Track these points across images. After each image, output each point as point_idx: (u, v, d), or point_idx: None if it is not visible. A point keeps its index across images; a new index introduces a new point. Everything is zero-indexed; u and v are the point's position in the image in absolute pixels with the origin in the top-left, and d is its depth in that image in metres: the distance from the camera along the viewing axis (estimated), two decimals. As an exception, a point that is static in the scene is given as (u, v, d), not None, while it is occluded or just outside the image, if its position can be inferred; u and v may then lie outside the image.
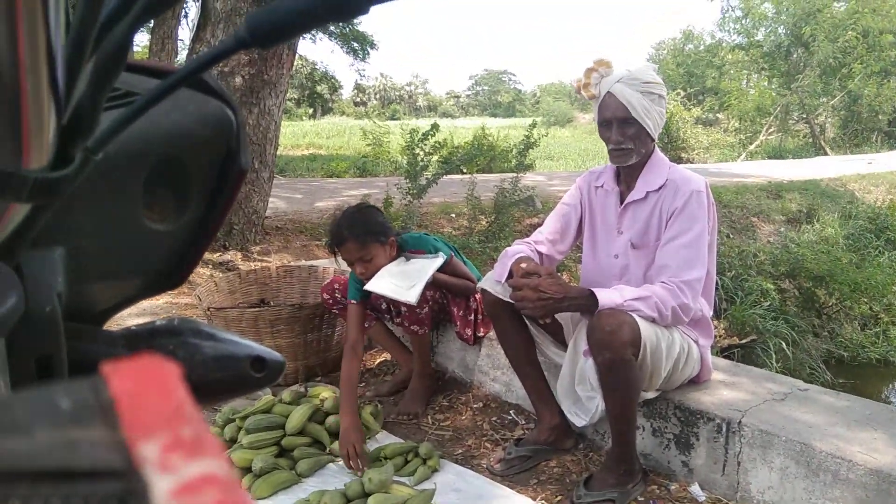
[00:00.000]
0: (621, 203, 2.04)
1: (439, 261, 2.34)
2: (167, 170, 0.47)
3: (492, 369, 2.61)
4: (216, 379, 0.44)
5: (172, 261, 0.52)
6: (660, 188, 1.96)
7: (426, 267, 2.30)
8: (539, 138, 6.06)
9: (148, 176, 0.46)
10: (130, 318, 2.91)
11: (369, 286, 2.27)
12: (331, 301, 2.60)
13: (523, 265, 1.94)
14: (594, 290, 1.84)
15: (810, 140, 21.12)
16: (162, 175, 0.47)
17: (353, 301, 2.43)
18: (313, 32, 15.32)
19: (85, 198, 0.42)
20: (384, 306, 2.60)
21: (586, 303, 1.85)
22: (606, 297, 1.82)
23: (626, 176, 2.04)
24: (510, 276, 1.99)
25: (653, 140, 1.97)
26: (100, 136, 0.32)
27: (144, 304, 3.38)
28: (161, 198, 0.48)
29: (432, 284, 2.37)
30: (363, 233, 2.29)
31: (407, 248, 2.43)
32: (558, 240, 2.16)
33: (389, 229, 2.39)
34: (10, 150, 0.28)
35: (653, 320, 1.81)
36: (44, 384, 0.20)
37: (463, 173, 8.90)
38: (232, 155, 0.50)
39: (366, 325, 2.62)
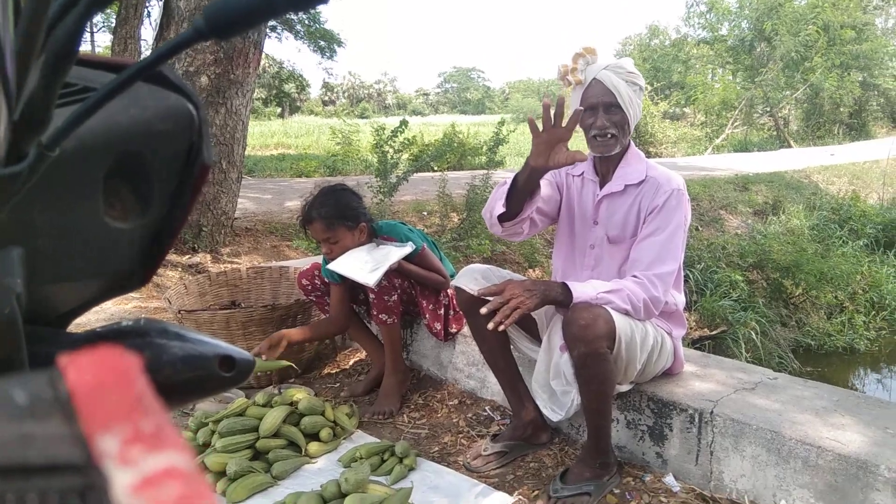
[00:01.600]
0: (599, 193, 2.05)
1: (407, 249, 2.35)
2: (128, 166, 0.46)
3: (466, 366, 2.61)
4: (185, 379, 0.43)
5: (136, 260, 0.51)
6: (639, 183, 1.96)
7: (392, 254, 2.31)
8: (508, 134, 6.08)
9: (108, 173, 0.45)
10: (98, 322, 2.86)
11: (332, 265, 2.31)
12: (309, 287, 2.61)
13: (482, 292, 1.87)
14: (568, 284, 1.85)
15: (774, 133, 21.52)
16: (123, 172, 0.46)
17: (333, 283, 2.46)
18: (279, 31, 15.20)
19: (43, 196, 0.41)
20: (361, 297, 2.60)
21: (560, 296, 1.85)
22: (580, 290, 1.82)
23: (604, 168, 2.04)
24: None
25: (630, 132, 1.98)
26: (55, 131, 0.32)
27: (112, 308, 3.33)
28: (122, 195, 0.47)
29: (401, 274, 2.38)
30: (331, 215, 2.31)
31: (380, 235, 2.43)
32: (544, 209, 2.08)
33: (361, 214, 2.39)
34: None
35: (626, 313, 1.82)
36: None
37: (434, 171, 8.90)
38: (195, 150, 0.49)
39: None
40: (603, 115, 1.91)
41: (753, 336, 5.76)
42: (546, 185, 2.06)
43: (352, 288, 2.61)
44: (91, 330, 0.45)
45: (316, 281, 2.59)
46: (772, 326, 6.15)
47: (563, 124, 1.74)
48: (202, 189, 0.52)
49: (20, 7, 0.28)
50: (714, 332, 5.85)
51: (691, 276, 6.06)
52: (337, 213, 2.32)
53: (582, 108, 1.90)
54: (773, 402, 1.92)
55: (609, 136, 1.92)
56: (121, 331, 0.44)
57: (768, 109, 21.26)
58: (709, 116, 21.56)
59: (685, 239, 2.01)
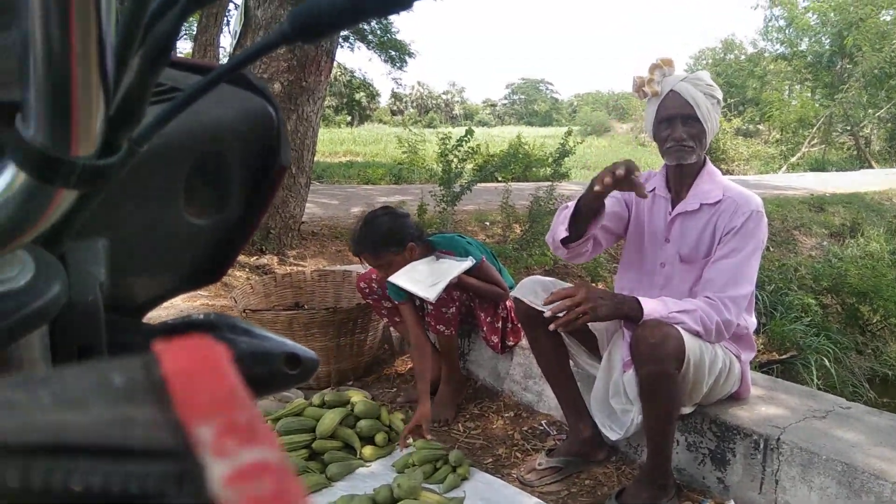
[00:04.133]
0: (671, 210, 2.00)
1: (467, 264, 2.34)
2: (209, 165, 0.47)
3: (523, 378, 2.59)
4: (250, 375, 0.44)
5: (211, 256, 0.53)
6: (716, 203, 1.90)
7: (452, 268, 2.31)
8: (575, 146, 6.02)
9: (190, 171, 0.46)
10: (168, 317, 2.96)
11: (393, 278, 2.31)
12: (367, 290, 2.64)
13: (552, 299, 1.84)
14: (640, 299, 1.81)
15: (855, 152, 20.64)
16: (203, 170, 0.47)
17: (400, 302, 2.47)
18: (352, 40, 15.50)
19: (129, 190, 0.42)
20: (417, 303, 2.62)
21: (632, 311, 1.81)
22: (653, 307, 1.78)
23: (677, 183, 1.98)
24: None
25: (707, 146, 1.93)
26: (144, 128, 0.33)
27: (182, 305, 3.44)
28: (202, 193, 0.49)
29: (459, 287, 2.38)
30: (376, 244, 2.33)
31: (438, 249, 2.44)
32: (609, 227, 2.03)
33: (407, 236, 2.37)
34: (59, 137, 0.28)
35: (697, 334, 1.77)
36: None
37: (497, 181, 8.88)
38: (272, 151, 0.50)
39: (397, 320, 2.66)
40: (681, 127, 1.86)
41: (826, 362, 5.51)
42: (612, 203, 2.02)
43: (411, 296, 2.64)
44: (164, 322, 0.47)
45: (374, 284, 2.62)
46: (846, 354, 5.88)
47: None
48: (277, 190, 0.53)
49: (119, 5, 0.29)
50: (783, 357, 5.62)
51: (761, 298, 5.86)
52: (380, 242, 2.33)
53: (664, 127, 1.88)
54: (845, 432, 1.83)
55: (686, 147, 1.87)
56: (192, 323, 0.46)
57: (849, 128, 20.41)
58: (784, 134, 20.86)
59: (758, 263, 1.94)
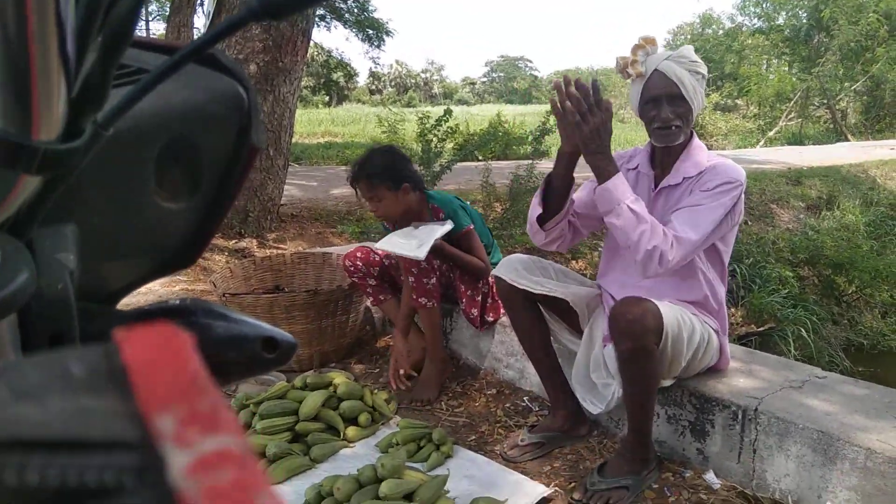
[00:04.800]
0: (655, 187, 1.99)
1: (448, 226, 2.38)
2: (179, 147, 0.47)
3: (505, 356, 2.61)
4: (228, 359, 0.43)
5: (184, 240, 0.52)
6: (698, 174, 1.89)
7: (434, 231, 2.34)
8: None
9: (160, 153, 0.46)
10: (145, 303, 2.94)
11: (378, 245, 2.37)
12: (352, 269, 2.65)
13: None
14: (614, 177, 1.77)
15: (831, 126, 20.82)
16: (174, 153, 0.47)
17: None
18: (328, 20, 15.30)
19: (97, 175, 0.41)
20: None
21: (600, 171, 1.78)
22: (612, 185, 1.76)
23: (663, 159, 1.97)
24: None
25: (693, 122, 1.92)
26: (110, 111, 0.32)
27: (160, 290, 3.41)
28: (172, 176, 0.48)
29: (439, 255, 2.42)
30: (375, 174, 2.39)
31: (432, 203, 2.50)
32: (585, 214, 2.04)
33: (405, 177, 2.43)
34: (20, 121, 0.28)
35: (625, 240, 1.76)
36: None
37: (478, 160, 8.87)
38: (244, 133, 0.50)
39: (381, 299, 2.68)
40: (667, 107, 1.85)
41: (804, 333, 5.60)
42: (586, 192, 2.03)
43: (393, 277, 2.65)
44: (138, 307, 0.46)
45: (359, 262, 2.64)
46: (823, 324, 5.97)
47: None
48: (250, 171, 0.52)
49: None
50: (762, 329, 5.70)
51: (738, 271, 5.92)
52: (380, 174, 2.39)
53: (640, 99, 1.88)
54: (821, 401, 1.86)
55: (673, 127, 1.86)
56: (167, 309, 0.45)
57: (825, 102, 20.56)
58: (762, 108, 20.98)
59: (731, 235, 1.95)
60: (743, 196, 1.88)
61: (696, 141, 1.97)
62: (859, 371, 5.54)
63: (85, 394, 0.17)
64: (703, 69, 1.89)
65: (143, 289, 0.56)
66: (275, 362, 0.42)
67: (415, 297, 2.44)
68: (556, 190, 1.91)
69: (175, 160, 0.47)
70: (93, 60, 0.30)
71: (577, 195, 2.07)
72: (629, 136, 16.38)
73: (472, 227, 2.49)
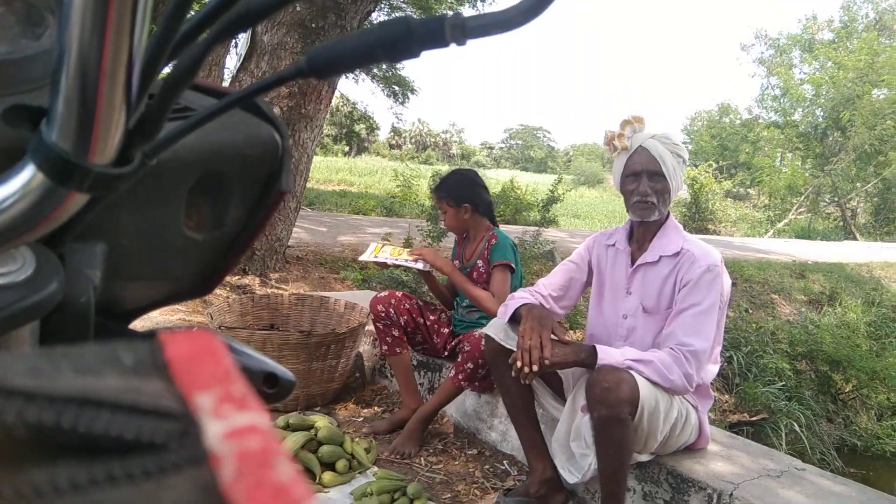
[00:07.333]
0: (632, 264, 2.06)
1: (416, 266, 2.63)
2: (211, 182, 0.49)
3: (489, 417, 2.61)
4: None
5: (203, 270, 0.54)
6: (675, 254, 1.96)
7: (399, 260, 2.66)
8: (563, 194, 6.11)
9: (192, 186, 0.48)
10: (145, 328, 2.96)
11: (362, 257, 2.79)
12: (383, 314, 2.68)
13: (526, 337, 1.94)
14: (597, 346, 1.85)
15: (841, 223, 20.93)
16: (205, 187, 0.49)
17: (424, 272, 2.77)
18: (356, 73, 15.70)
19: (132, 199, 0.44)
20: (419, 339, 2.77)
21: (587, 359, 1.86)
22: (608, 354, 1.83)
23: (640, 237, 2.06)
24: (515, 319, 2.05)
25: (670, 202, 2.01)
26: (158, 142, 0.35)
27: (158, 318, 3.44)
28: (201, 209, 0.50)
29: (451, 286, 2.77)
30: (441, 189, 2.71)
31: (493, 232, 2.72)
32: (561, 296, 2.19)
33: (470, 199, 2.68)
34: (80, 144, 0.31)
35: (656, 385, 1.81)
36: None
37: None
38: (274, 176, 0.52)
39: (397, 351, 2.70)
40: (647, 182, 1.94)
41: (796, 428, 5.53)
42: (560, 277, 2.21)
43: (413, 332, 2.76)
44: (149, 329, 0.49)
45: (391, 310, 2.68)
46: (817, 421, 5.90)
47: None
48: (274, 213, 0.55)
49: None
50: (754, 419, 5.65)
51: (735, 358, 5.90)
52: (447, 190, 2.68)
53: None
54: (796, 493, 1.86)
55: (650, 203, 1.95)
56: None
57: (836, 199, 20.74)
58: (773, 200, 21.15)
59: (722, 317, 1.99)
60: (724, 273, 1.94)
61: (673, 221, 2.05)
62: (850, 472, 5.44)
63: (134, 377, 0.20)
64: (685, 153, 1.99)
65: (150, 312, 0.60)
66: (273, 398, 0.43)
67: (455, 373, 2.47)
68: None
69: (206, 193, 0.50)
70: (153, 97, 0.33)
71: (550, 280, 2.22)
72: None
73: (510, 263, 2.60)
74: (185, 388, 0.20)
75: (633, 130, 1.98)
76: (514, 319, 2.08)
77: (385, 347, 2.71)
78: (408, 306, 2.71)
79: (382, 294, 2.73)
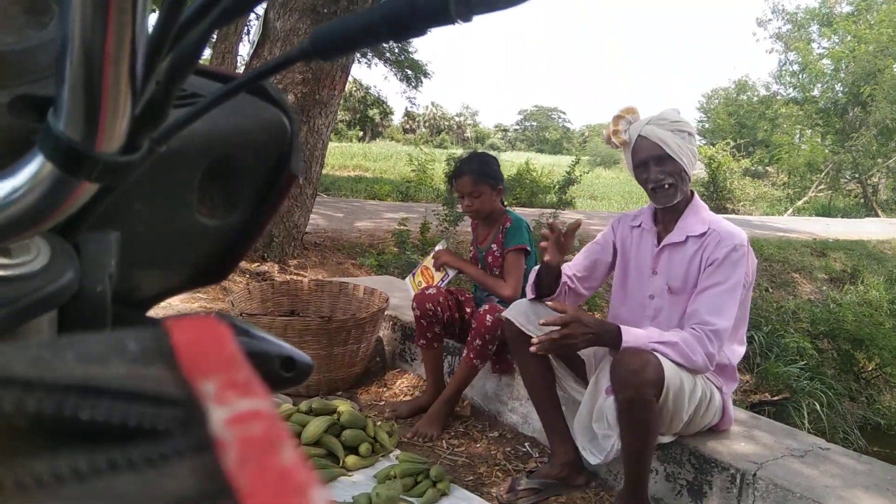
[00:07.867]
0: (658, 244, 2.05)
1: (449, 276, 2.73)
2: (222, 168, 0.49)
3: (511, 400, 2.62)
4: None
5: (217, 256, 0.55)
6: (701, 235, 1.95)
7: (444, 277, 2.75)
8: (581, 175, 6.08)
9: (203, 172, 0.48)
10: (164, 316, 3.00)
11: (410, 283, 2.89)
12: (430, 311, 2.63)
13: (549, 303, 2.02)
14: (622, 328, 1.85)
15: (861, 200, 20.66)
16: (216, 173, 0.49)
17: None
18: (368, 57, 15.66)
19: (144, 187, 0.44)
20: (457, 331, 2.75)
21: (611, 340, 1.86)
22: (633, 336, 1.83)
23: (665, 217, 2.04)
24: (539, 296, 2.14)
25: (689, 179, 1.98)
26: (165, 129, 0.35)
27: (179, 306, 3.48)
28: (212, 195, 0.50)
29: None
30: (480, 171, 2.62)
31: (508, 215, 2.72)
32: (585, 277, 2.19)
33: (502, 180, 2.70)
34: (87, 133, 0.31)
35: (679, 366, 1.80)
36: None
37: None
38: (284, 160, 0.52)
39: (434, 346, 2.69)
40: (654, 168, 1.93)
41: (818, 407, 5.50)
42: (585, 258, 2.22)
43: (448, 324, 2.70)
44: (166, 317, 0.49)
45: (438, 308, 2.63)
46: (839, 399, 5.86)
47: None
48: (286, 197, 0.55)
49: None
50: (776, 399, 5.62)
51: (756, 338, 5.86)
52: (484, 171, 2.62)
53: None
54: (820, 472, 1.85)
55: (667, 185, 1.93)
56: None
57: (857, 176, 20.44)
58: (792, 178, 20.90)
59: (748, 297, 1.98)
60: (750, 253, 1.93)
61: (698, 200, 2.04)
62: (874, 451, 5.41)
63: (139, 364, 0.21)
64: (688, 127, 1.96)
65: (162, 303, 0.60)
66: (291, 381, 0.43)
67: (472, 356, 2.48)
68: (545, 280, 2.12)
69: (217, 180, 0.50)
70: (158, 83, 0.33)
71: (575, 261, 2.24)
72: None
73: (526, 247, 2.59)
74: (189, 374, 0.20)
75: (627, 123, 1.98)
76: (539, 297, 2.13)
77: (423, 342, 2.69)
78: (450, 303, 2.70)
79: (430, 292, 2.67)
